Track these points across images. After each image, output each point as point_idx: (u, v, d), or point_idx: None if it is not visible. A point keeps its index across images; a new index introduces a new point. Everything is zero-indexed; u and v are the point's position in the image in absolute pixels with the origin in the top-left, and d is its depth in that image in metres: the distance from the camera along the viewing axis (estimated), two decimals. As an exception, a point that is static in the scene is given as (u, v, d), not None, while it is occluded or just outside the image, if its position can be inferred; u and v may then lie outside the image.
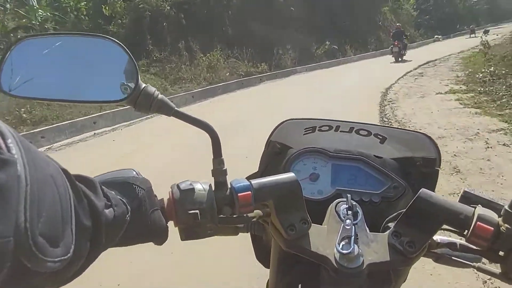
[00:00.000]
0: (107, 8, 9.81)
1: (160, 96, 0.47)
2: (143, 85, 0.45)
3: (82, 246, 0.32)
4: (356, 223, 0.46)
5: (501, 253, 0.44)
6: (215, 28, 11.62)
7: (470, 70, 9.59)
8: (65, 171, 0.31)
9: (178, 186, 0.46)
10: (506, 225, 0.42)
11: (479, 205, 0.46)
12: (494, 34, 25.77)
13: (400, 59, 13.72)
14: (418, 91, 7.71)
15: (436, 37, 27.79)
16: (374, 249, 0.45)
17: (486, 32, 26.99)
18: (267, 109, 6.25)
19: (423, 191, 0.45)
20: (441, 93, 7.11)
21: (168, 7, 10.60)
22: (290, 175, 0.47)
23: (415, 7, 27.15)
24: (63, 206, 0.29)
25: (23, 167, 0.24)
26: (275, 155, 0.64)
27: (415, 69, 11.38)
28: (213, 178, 0.49)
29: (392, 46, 13.81)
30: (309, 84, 9.92)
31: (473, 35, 27.04)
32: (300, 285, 0.55)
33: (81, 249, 0.32)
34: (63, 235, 0.28)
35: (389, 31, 19.17)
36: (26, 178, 0.24)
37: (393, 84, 8.86)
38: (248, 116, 5.96)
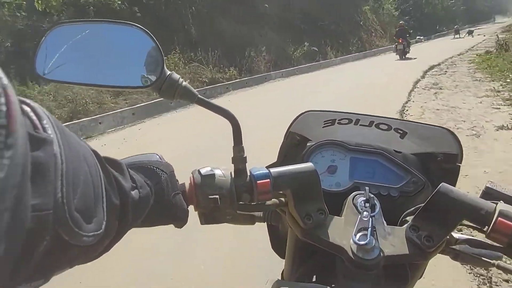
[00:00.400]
0: (39, 2, 9.65)
1: (184, 83, 0.56)
2: (168, 72, 0.55)
3: (112, 224, 0.40)
4: (374, 216, 0.54)
5: None
6: (175, 26, 11.58)
7: (508, 80, 8.26)
8: (95, 152, 0.40)
9: (199, 171, 0.56)
10: None
11: (501, 201, 0.52)
12: (478, 34, 27.42)
13: (404, 57, 16.07)
14: (456, 119, 5.60)
15: (418, 38, 30.36)
16: (391, 242, 0.53)
17: (470, 32, 28.78)
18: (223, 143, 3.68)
19: (443, 185, 0.52)
20: (507, 128, 4.88)
21: (119, 1, 10.61)
22: (308, 165, 0.56)
23: (395, 6, 30.38)
24: (95, 185, 0.36)
25: (58, 146, 0.30)
26: (294, 146, 0.75)
27: (423, 77, 10.53)
28: (232, 165, 0.58)
29: (396, 43, 16.25)
30: (289, 97, 8.71)
31: (457, 36, 30.36)
32: (315, 276, 0.66)
33: (111, 226, 0.40)
34: (95, 211, 0.36)
35: (370, 31, 21.45)
36: (61, 157, 0.30)
37: (406, 103, 7.09)
38: (192, 159, 4.16)
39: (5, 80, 0.23)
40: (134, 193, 0.45)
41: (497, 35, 15.11)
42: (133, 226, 0.47)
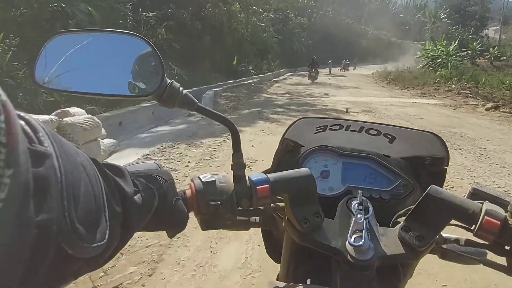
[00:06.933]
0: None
1: (184, 91, 0.55)
2: (168, 80, 0.54)
3: (116, 231, 0.39)
4: (367, 218, 0.55)
5: (507, 247, 0.52)
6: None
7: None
8: (93, 160, 0.38)
9: (199, 178, 0.56)
10: None
11: (487, 201, 0.54)
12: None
13: (313, 81, 21.26)
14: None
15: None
16: (385, 242, 0.54)
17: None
18: None
19: (433, 187, 0.54)
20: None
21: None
22: (305, 169, 0.57)
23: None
24: (96, 194, 0.35)
25: (56, 159, 0.29)
26: (288, 152, 0.75)
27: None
28: (231, 171, 0.57)
29: (309, 71, 21.67)
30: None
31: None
32: (309, 279, 0.66)
33: (114, 234, 0.38)
34: (98, 221, 0.35)
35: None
36: (60, 169, 0.29)
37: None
38: None
39: (4, 96, 0.21)
40: (137, 197, 0.44)
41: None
42: (136, 230, 0.46)
